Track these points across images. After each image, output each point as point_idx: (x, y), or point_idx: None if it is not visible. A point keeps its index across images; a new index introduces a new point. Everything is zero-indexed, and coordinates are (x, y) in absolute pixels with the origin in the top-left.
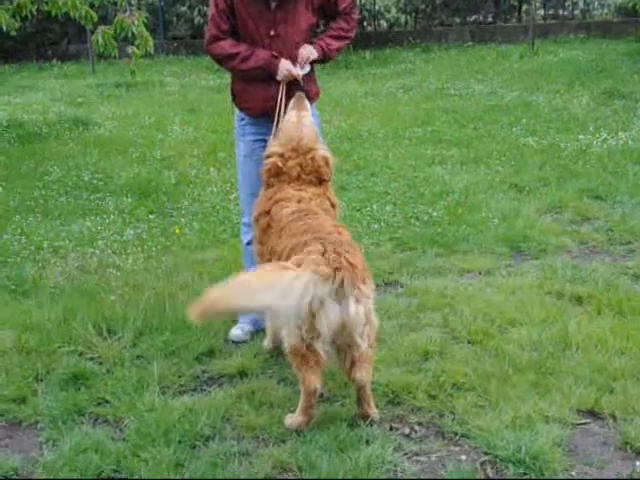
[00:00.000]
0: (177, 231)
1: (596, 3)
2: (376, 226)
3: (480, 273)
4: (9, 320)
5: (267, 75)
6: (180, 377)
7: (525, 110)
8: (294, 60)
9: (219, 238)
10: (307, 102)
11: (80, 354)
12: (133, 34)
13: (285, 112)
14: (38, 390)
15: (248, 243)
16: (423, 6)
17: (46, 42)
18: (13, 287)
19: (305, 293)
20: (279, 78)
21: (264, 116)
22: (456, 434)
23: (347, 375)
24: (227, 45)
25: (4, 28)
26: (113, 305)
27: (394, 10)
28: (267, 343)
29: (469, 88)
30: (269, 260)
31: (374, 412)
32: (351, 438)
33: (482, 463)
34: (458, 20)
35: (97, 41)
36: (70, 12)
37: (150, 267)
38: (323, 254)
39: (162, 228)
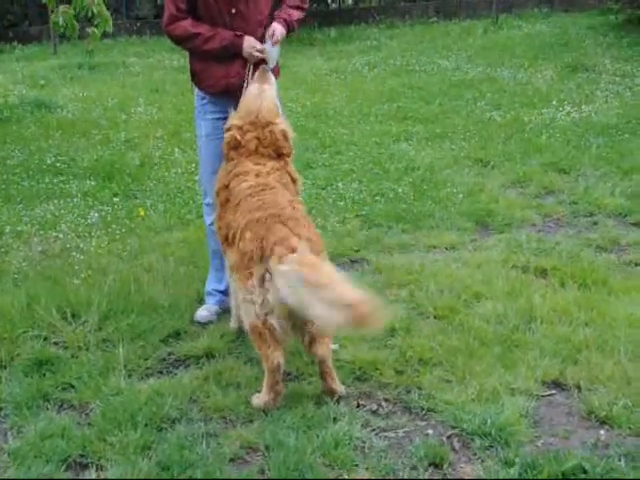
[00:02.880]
0: (141, 213)
1: None
2: (342, 204)
3: (446, 248)
4: None
5: (230, 54)
6: (146, 360)
7: (489, 85)
8: (258, 39)
9: (184, 219)
10: (271, 75)
11: (44, 339)
12: (93, 13)
13: None
14: (2, 376)
15: (211, 224)
16: None
17: (6, 24)
18: None
19: None
20: (245, 56)
21: (225, 94)
22: (423, 409)
23: (308, 350)
24: (188, 25)
25: None
26: (77, 289)
27: None
28: (233, 323)
29: (434, 64)
30: (226, 235)
31: (339, 387)
32: (318, 416)
33: (449, 437)
34: None
35: (57, 22)
36: None
37: (114, 250)
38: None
39: (126, 210)
